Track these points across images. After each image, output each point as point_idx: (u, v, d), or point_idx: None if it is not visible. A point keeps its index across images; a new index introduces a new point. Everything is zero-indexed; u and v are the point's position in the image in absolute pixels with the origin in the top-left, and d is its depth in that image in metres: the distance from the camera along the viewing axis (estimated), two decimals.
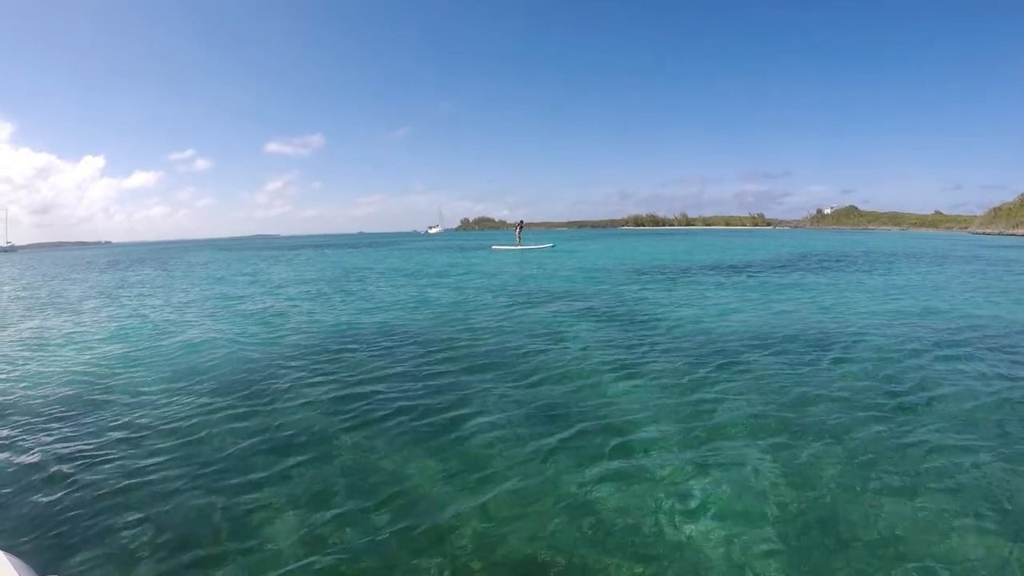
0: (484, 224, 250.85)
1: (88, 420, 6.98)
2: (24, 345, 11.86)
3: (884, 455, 5.42)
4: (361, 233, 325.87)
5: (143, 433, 6.47)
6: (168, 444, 6.14)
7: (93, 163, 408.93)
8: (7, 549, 2.34)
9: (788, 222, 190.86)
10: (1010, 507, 4.53)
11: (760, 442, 5.76)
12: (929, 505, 4.55)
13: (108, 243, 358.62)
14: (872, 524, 4.30)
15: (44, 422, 6.96)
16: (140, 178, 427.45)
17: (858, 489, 4.81)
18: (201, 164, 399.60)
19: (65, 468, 5.58)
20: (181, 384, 8.39)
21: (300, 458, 5.68)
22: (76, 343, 11.78)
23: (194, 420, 6.81)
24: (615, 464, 5.36)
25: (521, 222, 54.86)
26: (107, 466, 5.65)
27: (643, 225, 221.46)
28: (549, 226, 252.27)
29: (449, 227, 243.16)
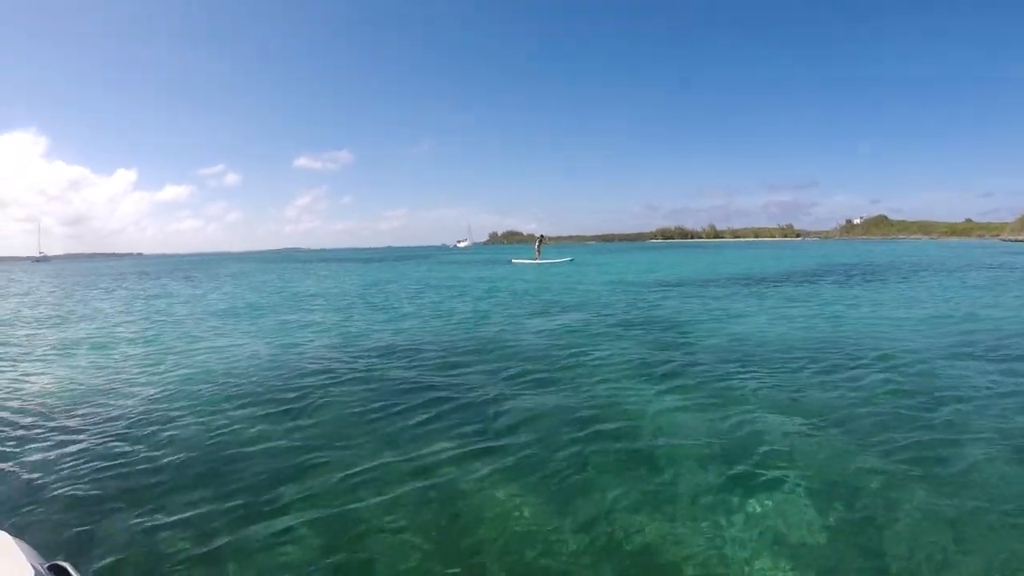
0: (512, 238, 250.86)
1: (103, 419, 7.34)
2: (52, 348, 12.84)
3: (929, 474, 5.22)
4: (389, 247, 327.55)
5: (158, 433, 6.73)
6: (180, 444, 6.34)
7: (126, 176, 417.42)
8: (16, 535, 2.35)
9: (817, 233, 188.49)
10: None
11: (798, 460, 5.62)
12: (979, 527, 4.35)
13: (140, 255, 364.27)
14: (921, 551, 4.10)
15: (55, 422, 7.30)
16: (172, 192, 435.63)
17: (905, 512, 4.59)
18: (231, 179, 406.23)
19: (75, 463, 5.84)
20: (207, 391, 8.70)
21: (327, 460, 5.80)
22: (97, 348, 12.51)
23: (214, 425, 7.04)
24: (647, 484, 5.22)
25: (541, 236, 54.39)
26: (118, 461, 5.86)
27: (671, 238, 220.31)
28: (577, 239, 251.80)
29: (478, 240, 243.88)
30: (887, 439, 6.08)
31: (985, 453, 5.65)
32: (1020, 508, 4.59)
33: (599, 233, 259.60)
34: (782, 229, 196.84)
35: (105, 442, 6.47)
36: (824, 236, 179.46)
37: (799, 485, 5.11)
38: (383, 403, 7.75)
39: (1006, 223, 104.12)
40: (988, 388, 7.86)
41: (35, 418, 7.53)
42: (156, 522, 4.62)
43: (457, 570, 4.01)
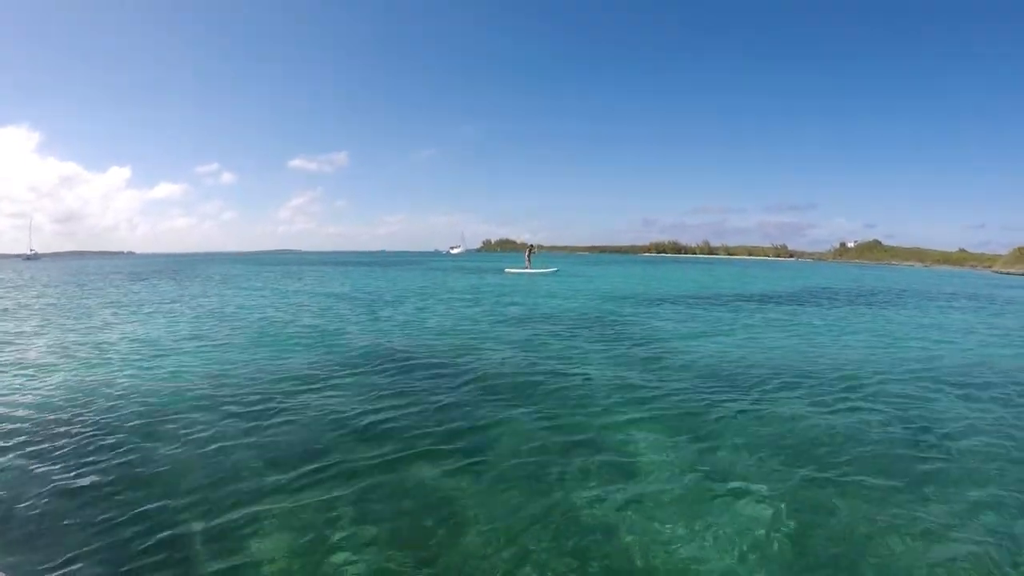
0: (506, 246, 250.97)
1: (88, 432, 7.11)
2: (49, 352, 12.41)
3: (901, 498, 5.40)
4: (383, 251, 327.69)
5: (143, 446, 6.59)
6: (153, 456, 6.26)
7: (119, 174, 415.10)
8: None
9: (811, 254, 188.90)
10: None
11: (770, 481, 5.74)
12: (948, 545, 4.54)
13: (131, 253, 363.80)
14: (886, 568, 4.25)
15: (39, 435, 7.06)
16: (165, 190, 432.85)
17: (871, 531, 4.78)
18: (226, 178, 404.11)
19: (59, 480, 5.68)
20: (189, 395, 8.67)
21: (309, 471, 5.81)
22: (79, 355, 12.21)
23: (192, 433, 6.97)
24: (621, 497, 5.35)
25: (531, 246, 54.92)
26: (104, 478, 5.74)
27: (665, 252, 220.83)
28: (570, 250, 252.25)
29: (471, 247, 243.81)
30: (863, 462, 6.27)
31: (960, 485, 5.79)
32: (987, 528, 4.83)
33: (594, 244, 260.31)
34: (776, 249, 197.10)
35: (78, 456, 6.29)
36: (818, 258, 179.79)
37: (766, 500, 5.31)
38: (377, 415, 7.73)
39: (999, 255, 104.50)
40: (975, 419, 8.01)
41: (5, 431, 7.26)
42: (133, 539, 4.57)
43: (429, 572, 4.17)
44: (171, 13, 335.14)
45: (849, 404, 8.57)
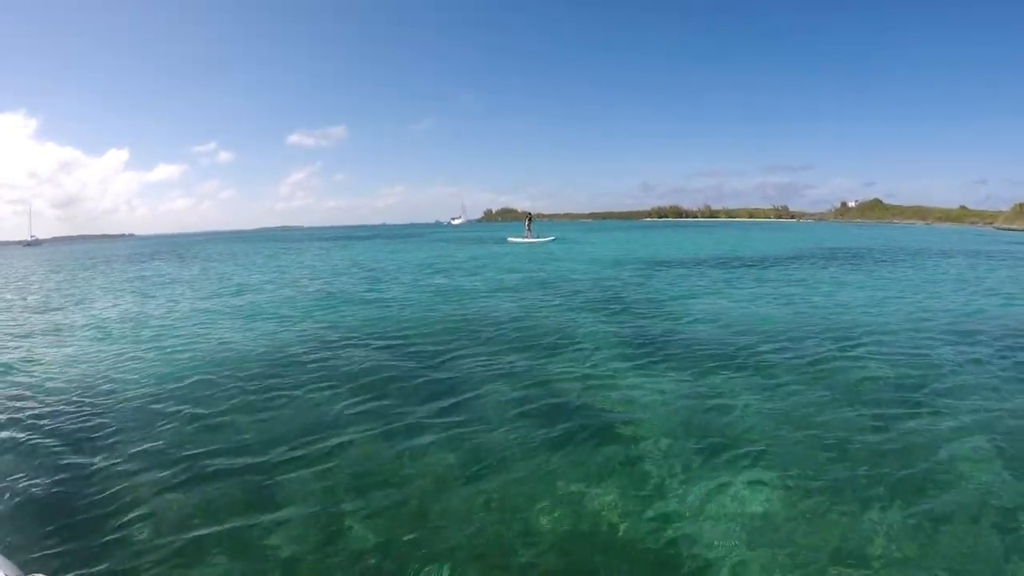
0: (507, 215, 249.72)
1: (81, 418, 7.06)
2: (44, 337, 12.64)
3: (899, 469, 5.23)
4: (384, 224, 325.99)
5: (138, 431, 6.51)
6: (154, 440, 6.22)
7: (117, 156, 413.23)
8: None
9: (812, 215, 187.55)
10: None
11: (770, 448, 5.67)
12: (942, 525, 4.38)
13: (131, 235, 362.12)
14: (883, 545, 4.16)
15: (28, 421, 7.02)
16: (164, 171, 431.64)
17: (865, 502, 4.67)
18: (224, 156, 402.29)
19: (48, 469, 5.63)
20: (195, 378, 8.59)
21: (305, 451, 5.75)
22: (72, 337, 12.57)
23: (194, 416, 6.93)
24: (620, 468, 5.30)
25: (530, 215, 55.24)
26: (95, 465, 5.68)
27: (666, 217, 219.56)
28: (572, 217, 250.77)
29: (472, 218, 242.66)
30: (863, 429, 6.19)
31: (959, 448, 5.70)
32: (994, 507, 4.62)
33: (595, 211, 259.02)
34: (776, 210, 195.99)
35: (80, 444, 6.26)
36: (819, 218, 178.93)
37: (767, 466, 5.28)
38: (375, 390, 7.73)
39: (1000, 211, 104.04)
40: (980, 381, 7.87)
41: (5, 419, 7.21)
42: (135, 529, 4.54)
43: (425, 551, 4.13)
44: None
45: (845, 363, 8.64)
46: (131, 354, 10.39)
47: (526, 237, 48.30)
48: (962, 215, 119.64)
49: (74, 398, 7.90)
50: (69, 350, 10.96)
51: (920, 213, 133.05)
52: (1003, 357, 9.07)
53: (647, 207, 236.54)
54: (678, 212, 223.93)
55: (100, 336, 12.22)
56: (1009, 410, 6.71)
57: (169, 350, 10.58)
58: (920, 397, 7.14)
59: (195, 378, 8.58)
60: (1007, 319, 12.38)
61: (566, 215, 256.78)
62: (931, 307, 13.89)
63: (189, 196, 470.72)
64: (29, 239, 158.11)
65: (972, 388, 7.50)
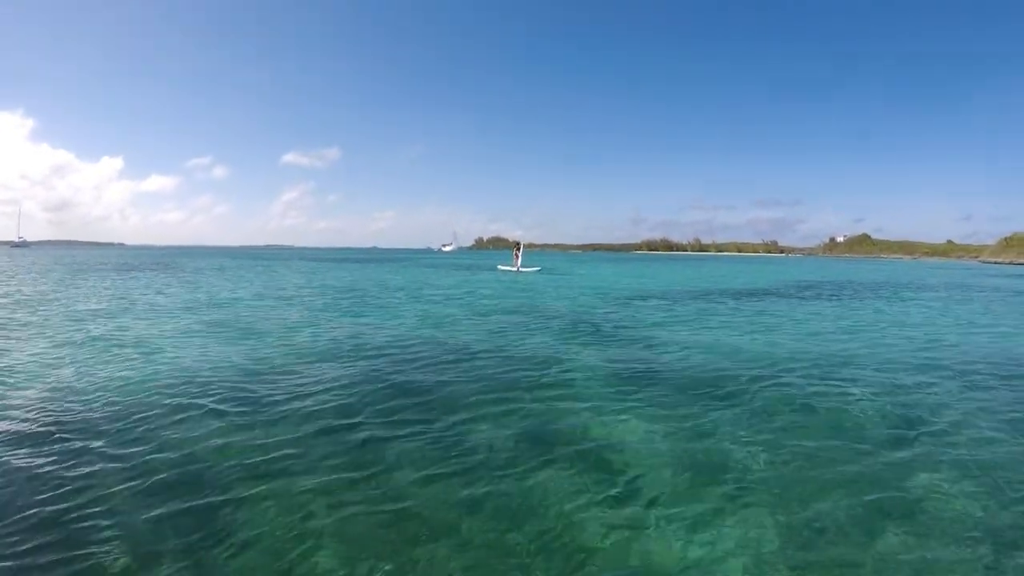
0: (499, 243, 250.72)
1: (71, 428, 6.90)
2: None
3: (890, 497, 5.22)
4: (374, 248, 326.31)
5: (131, 447, 6.33)
6: (135, 458, 6.02)
7: (111, 164, 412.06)
8: None
9: (801, 249, 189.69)
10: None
11: (758, 477, 5.61)
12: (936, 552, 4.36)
13: (122, 244, 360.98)
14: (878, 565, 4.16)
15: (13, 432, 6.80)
16: (157, 182, 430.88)
17: (861, 532, 4.62)
18: (219, 171, 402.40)
19: (29, 479, 5.49)
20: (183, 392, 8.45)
21: (289, 471, 5.66)
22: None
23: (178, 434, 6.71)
24: (606, 498, 5.19)
25: (518, 244, 54.69)
26: (80, 477, 5.55)
27: (656, 250, 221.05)
28: (562, 248, 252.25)
29: (463, 245, 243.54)
30: (849, 458, 6.16)
31: (949, 478, 5.69)
32: (976, 536, 4.61)
33: (586, 242, 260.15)
34: (766, 245, 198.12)
35: (63, 456, 6.09)
36: (808, 253, 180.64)
37: (751, 494, 5.21)
38: (361, 414, 7.54)
39: (986, 245, 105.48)
40: (966, 411, 7.97)
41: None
42: (117, 543, 4.41)
43: None
44: (169, 5, 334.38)
45: (824, 393, 8.70)
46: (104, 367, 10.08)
47: (515, 266, 48.08)
48: (948, 249, 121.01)
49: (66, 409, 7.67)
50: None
51: (907, 248, 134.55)
52: (975, 388, 9.27)
53: (638, 239, 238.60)
54: (669, 245, 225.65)
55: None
56: (983, 438, 6.86)
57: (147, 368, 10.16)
58: (900, 428, 7.16)
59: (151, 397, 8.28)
60: (977, 350, 12.68)
61: (556, 245, 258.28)
62: (903, 340, 14.16)
63: (182, 209, 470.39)
64: (17, 240, 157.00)
65: (947, 418, 7.58)
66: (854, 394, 8.69)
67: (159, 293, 24.28)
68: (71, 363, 10.28)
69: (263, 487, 5.30)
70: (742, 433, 6.81)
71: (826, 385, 9.21)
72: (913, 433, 6.94)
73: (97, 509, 4.88)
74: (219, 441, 6.48)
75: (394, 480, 5.50)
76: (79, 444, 6.36)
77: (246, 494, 5.16)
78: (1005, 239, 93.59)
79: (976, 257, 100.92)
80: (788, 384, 9.28)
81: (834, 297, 27.31)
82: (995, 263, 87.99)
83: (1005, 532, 4.63)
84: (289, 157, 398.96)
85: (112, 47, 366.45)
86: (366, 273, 46.17)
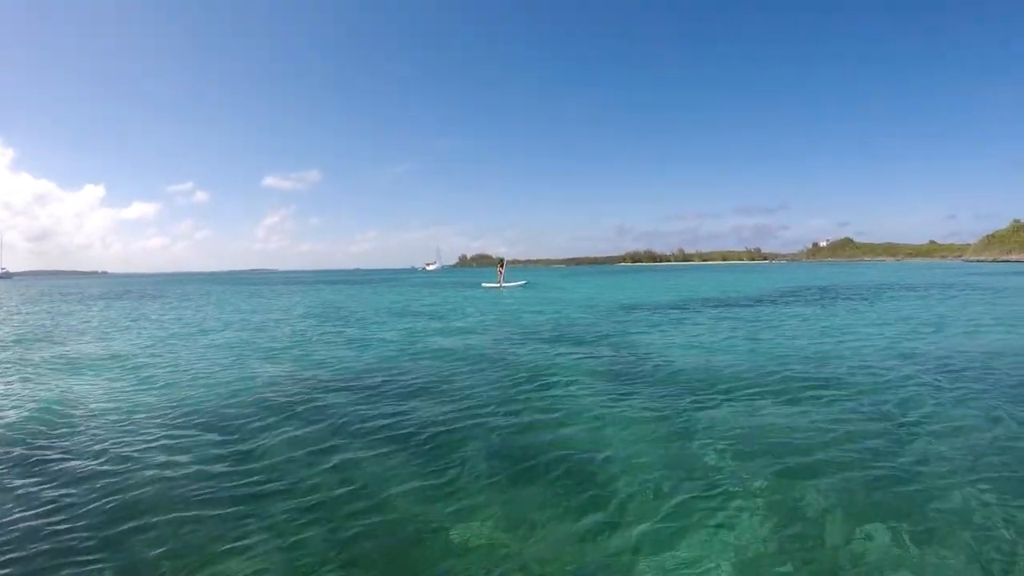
0: (482, 260, 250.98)
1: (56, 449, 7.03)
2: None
3: (882, 501, 5.16)
4: (358, 269, 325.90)
5: (118, 464, 6.42)
6: (113, 483, 5.97)
7: (93, 192, 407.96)
8: None
9: (785, 255, 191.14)
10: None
11: (747, 484, 5.53)
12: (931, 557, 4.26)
13: (105, 273, 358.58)
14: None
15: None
16: (139, 209, 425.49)
17: (853, 536, 4.54)
18: (200, 196, 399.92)
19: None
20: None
21: (285, 490, 5.60)
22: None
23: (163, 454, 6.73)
24: (596, 511, 5.10)
25: (502, 260, 54.56)
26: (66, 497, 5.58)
27: (641, 261, 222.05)
28: (547, 263, 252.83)
29: (447, 263, 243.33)
30: (842, 463, 6.03)
31: (938, 480, 5.58)
32: (971, 528, 4.59)
33: (570, 256, 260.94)
34: (750, 252, 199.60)
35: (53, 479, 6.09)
36: (792, 259, 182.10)
37: (745, 509, 5.05)
38: (350, 434, 7.41)
39: (968, 244, 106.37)
40: (948, 413, 7.81)
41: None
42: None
43: None
44: (147, 31, 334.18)
45: (804, 400, 8.56)
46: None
47: (499, 282, 47.65)
48: (932, 249, 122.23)
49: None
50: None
51: (890, 250, 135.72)
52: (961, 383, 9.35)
53: (622, 251, 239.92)
54: (653, 256, 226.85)
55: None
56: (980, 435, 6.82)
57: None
58: (886, 426, 7.18)
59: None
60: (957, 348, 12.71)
61: (541, 261, 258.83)
62: (882, 339, 14.40)
63: (164, 235, 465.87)
64: (0, 271, 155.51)
65: (934, 416, 7.58)
66: (833, 394, 8.76)
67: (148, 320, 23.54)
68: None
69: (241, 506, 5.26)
70: (728, 438, 6.81)
71: (807, 387, 9.24)
72: (901, 430, 6.96)
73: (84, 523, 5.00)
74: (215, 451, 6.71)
75: (378, 495, 5.44)
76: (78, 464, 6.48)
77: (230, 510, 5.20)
78: (987, 237, 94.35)
79: (960, 256, 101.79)
80: (771, 386, 9.34)
81: (815, 301, 27.39)
82: (978, 261, 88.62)
83: (998, 530, 4.55)
84: (270, 180, 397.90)
85: (90, 74, 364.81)
86: (349, 294, 45.83)
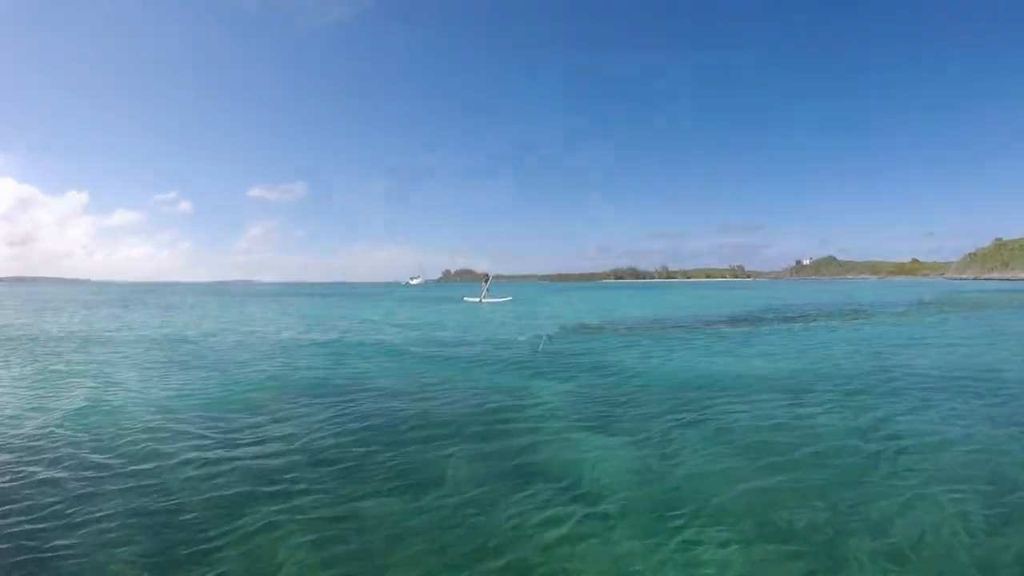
0: (466, 276, 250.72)
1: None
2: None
3: (860, 511, 5.22)
4: (342, 282, 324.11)
5: (101, 473, 6.48)
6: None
7: (77, 199, 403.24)
8: None
9: (767, 273, 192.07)
10: None
11: (730, 499, 5.54)
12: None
13: (87, 281, 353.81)
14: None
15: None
16: (123, 217, 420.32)
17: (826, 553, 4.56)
18: (184, 206, 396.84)
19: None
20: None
21: (262, 514, 5.37)
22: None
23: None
24: (581, 527, 5.07)
25: (486, 275, 54.45)
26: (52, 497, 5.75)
27: (624, 278, 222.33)
28: (530, 279, 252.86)
29: (431, 278, 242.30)
30: (823, 480, 6.05)
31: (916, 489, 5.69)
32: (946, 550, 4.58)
33: (554, 273, 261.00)
34: (733, 270, 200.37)
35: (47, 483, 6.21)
36: (775, 276, 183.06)
37: (728, 521, 5.09)
38: (332, 450, 7.33)
39: (950, 262, 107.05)
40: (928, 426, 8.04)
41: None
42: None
43: None
44: (133, 39, 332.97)
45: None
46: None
47: (483, 297, 47.06)
48: (913, 267, 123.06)
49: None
50: None
51: (873, 268, 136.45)
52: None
53: (605, 268, 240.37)
54: (636, 274, 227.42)
55: None
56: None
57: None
58: (864, 442, 7.23)
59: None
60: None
61: (525, 276, 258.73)
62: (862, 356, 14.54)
63: (148, 244, 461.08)
64: None
65: (915, 432, 7.66)
66: (811, 411, 8.81)
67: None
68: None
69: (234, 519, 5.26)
70: (706, 455, 6.82)
71: (785, 403, 9.28)
72: (878, 446, 7.00)
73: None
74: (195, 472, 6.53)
75: (359, 512, 5.44)
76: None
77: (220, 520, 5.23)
78: (968, 255, 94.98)
79: (942, 274, 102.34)
80: (749, 405, 9.27)
81: (798, 319, 27.35)
82: (959, 279, 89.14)
83: (979, 546, 4.60)
84: (256, 191, 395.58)
85: (76, 81, 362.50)
86: (332, 306, 45.62)
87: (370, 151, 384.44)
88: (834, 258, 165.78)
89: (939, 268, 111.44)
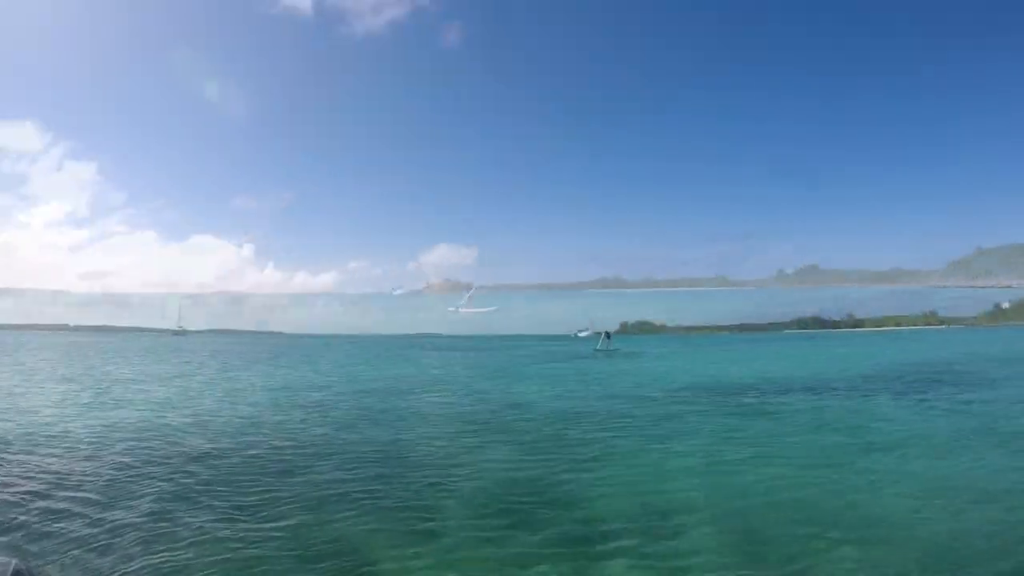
0: (449, 288, 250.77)
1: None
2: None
3: (839, 511, 5.73)
4: (328, 293, 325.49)
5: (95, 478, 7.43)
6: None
7: (59, 208, 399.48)
8: None
9: (752, 282, 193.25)
10: None
11: (713, 503, 6.07)
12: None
13: (67, 292, 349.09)
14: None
15: None
16: (103, 226, 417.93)
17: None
18: (169, 215, 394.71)
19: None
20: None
21: (258, 540, 5.75)
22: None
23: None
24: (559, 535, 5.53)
25: (470, 286, 55.05)
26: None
27: (609, 287, 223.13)
28: (516, 288, 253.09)
29: (415, 288, 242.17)
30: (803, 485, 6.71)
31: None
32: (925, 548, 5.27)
33: (540, 282, 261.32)
34: (718, 279, 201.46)
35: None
36: (759, 285, 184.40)
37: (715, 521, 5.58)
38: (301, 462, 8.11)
39: (934, 271, 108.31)
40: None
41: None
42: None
43: None
44: (119, 48, 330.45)
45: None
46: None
47: (467, 307, 47.31)
48: (897, 275, 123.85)
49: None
50: None
51: (857, 276, 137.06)
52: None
53: (591, 277, 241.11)
54: (621, 283, 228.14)
55: None
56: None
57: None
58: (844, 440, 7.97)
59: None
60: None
61: (513, 285, 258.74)
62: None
63: (130, 254, 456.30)
64: None
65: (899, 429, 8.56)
66: (793, 409, 9.64)
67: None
68: None
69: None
70: (692, 461, 7.43)
71: (762, 405, 10.05)
72: (860, 443, 7.68)
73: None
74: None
75: (347, 529, 5.91)
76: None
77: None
78: (952, 264, 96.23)
79: (925, 283, 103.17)
80: (733, 409, 10.04)
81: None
82: (943, 287, 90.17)
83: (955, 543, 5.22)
84: (239, 201, 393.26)
85: (61, 89, 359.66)
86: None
87: (353, 159, 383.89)
88: (817, 266, 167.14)
89: (922, 277, 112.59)
